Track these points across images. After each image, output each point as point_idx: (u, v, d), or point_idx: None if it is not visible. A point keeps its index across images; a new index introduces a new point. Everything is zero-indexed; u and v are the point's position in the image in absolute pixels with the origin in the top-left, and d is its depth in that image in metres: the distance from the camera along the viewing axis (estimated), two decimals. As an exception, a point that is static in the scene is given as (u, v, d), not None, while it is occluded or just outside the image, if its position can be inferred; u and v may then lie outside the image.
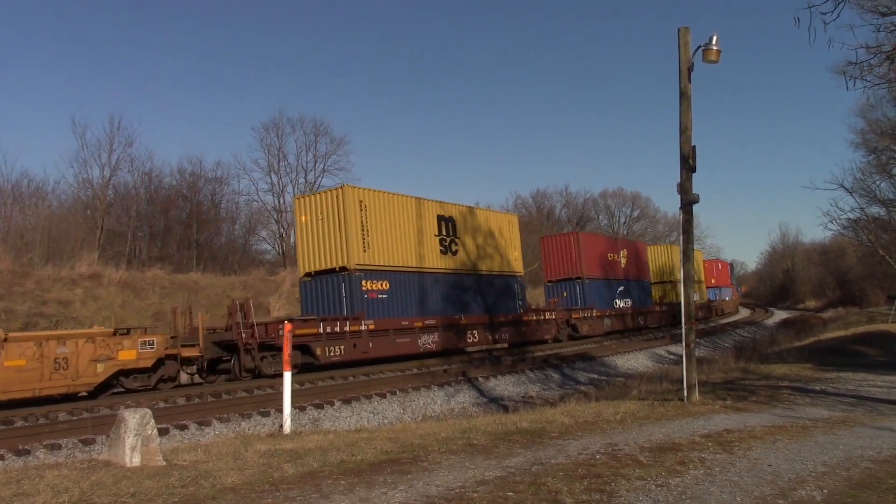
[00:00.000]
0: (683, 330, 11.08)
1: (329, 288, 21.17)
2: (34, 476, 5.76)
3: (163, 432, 11.00)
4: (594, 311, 33.63)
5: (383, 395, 15.97)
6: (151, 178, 45.91)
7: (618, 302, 37.04)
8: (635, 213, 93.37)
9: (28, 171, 66.90)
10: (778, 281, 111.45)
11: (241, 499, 5.06)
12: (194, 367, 17.39)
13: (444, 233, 24.73)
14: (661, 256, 47.59)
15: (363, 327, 20.21)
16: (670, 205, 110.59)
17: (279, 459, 6.47)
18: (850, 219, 38.87)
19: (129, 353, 15.16)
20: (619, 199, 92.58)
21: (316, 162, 55.24)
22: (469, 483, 5.47)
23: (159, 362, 15.92)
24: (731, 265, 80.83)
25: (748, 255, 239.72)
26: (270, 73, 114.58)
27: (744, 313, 71.03)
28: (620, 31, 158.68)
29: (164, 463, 6.32)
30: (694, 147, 11.13)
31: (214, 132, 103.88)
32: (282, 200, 53.35)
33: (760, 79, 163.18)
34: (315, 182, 53.70)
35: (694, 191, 11.21)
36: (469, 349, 26.13)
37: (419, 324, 22.45)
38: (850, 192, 36.70)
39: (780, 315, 67.75)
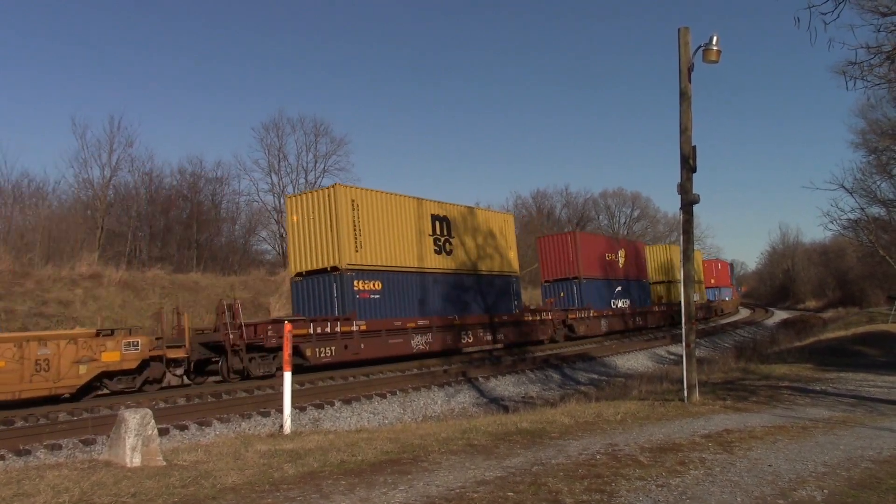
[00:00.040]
0: (684, 330, 11.08)
1: (320, 288, 20.96)
2: (35, 476, 5.76)
3: (163, 432, 11.00)
4: (591, 312, 33.37)
5: (383, 396, 15.97)
6: (152, 179, 46.01)
7: (616, 302, 36.82)
8: (635, 213, 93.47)
9: (28, 171, 66.83)
10: (778, 281, 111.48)
11: (241, 499, 5.06)
12: (181, 369, 17.08)
13: (438, 232, 24.48)
14: (660, 256, 47.44)
15: (354, 328, 19.97)
16: (670, 205, 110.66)
17: (279, 459, 6.47)
18: (850, 219, 38.95)
19: (112, 355, 14.82)
20: (620, 199, 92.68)
21: (316, 162, 55.30)
22: (469, 483, 5.47)
23: (144, 364, 15.58)
24: (731, 265, 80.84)
25: (748, 255, 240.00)
26: (270, 73, 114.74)
27: (744, 313, 71.03)
28: (620, 31, 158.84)
29: (165, 463, 6.32)
30: (694, 147, 11.13)
31: (214, 132, 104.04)
32: (282, 201, 53.27)
33: (760, 79, 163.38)
34: (315, 182, 53.68)
35: (694, 191, 11.21)
36: (463, 350, 25.87)
37: (412, 324, 22.23)
38: (851, 193, 36.78)
39: (780, 315, 67.75)
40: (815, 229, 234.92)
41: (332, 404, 14.64)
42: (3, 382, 13.18)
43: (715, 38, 10.74)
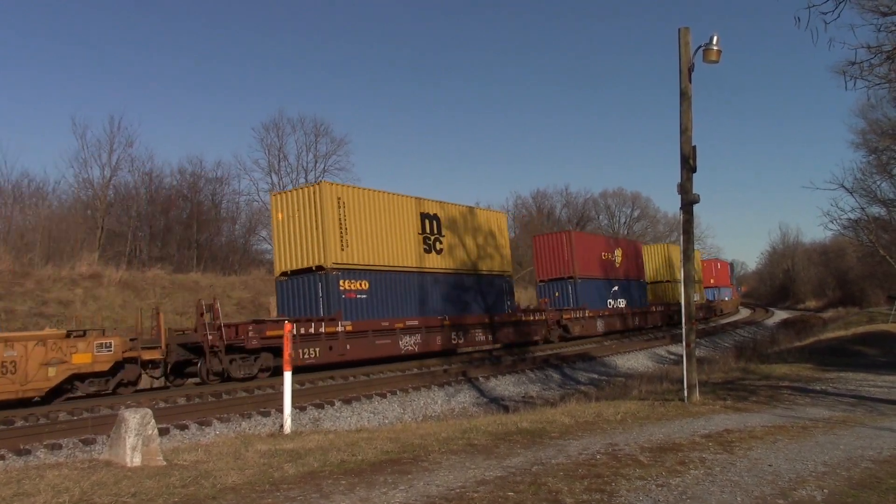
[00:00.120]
0: (684, 330, 11.08)
1: (306, 288, 20.45)
2: (35, 476, 5.76)
3: (163, 432, 11.00)
4: (587, 312, 32.90)
5: (384, 395, 15.97)
6: (152, 178, 46.05)
7: (612, 302, 36.49)
8: (635, 213, 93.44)
9: (28, 171, 67.02)
10: (778, 281, 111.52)
11: (241, 499, 5.06)
12: (159, 371, 16.70)
13: (427, 231, 23.92)
14: (657, 256, 47.30)
15: (340, 328, 19.45)
16: (670, 205, 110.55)
17: (280, 459, 6.47)
18: (850, 219, 38.96)
19: (83, 357, 14.38)
20: (619, 199, 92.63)
21: (316, 162, 55.39)
22: (469, 483, 5.47)
23: (118, 366, 15.13)
24: (731, 265, 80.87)
25: (748, 255, 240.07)
26: (270, 73, 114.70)
27: (744, 313, 71.07)
28: (620, 31, 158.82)
29: (165, 463, 6.32)
30: (694, 147, 11.13)
31: (214, 132, 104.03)
32: (282, 200, 53.29)
33: (760, 79, 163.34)
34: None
35: (694, 191, 11.21)
36: (454, 351, 25.41)
37: (400, 325, 21.70)
38: (851, 192, 36.79)
39: (780, 315, 67.79)
40: (815, 229, 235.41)
41: (332, 404, 14.65)
42: None
43: (715, 38, 10.74)
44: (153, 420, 6.48)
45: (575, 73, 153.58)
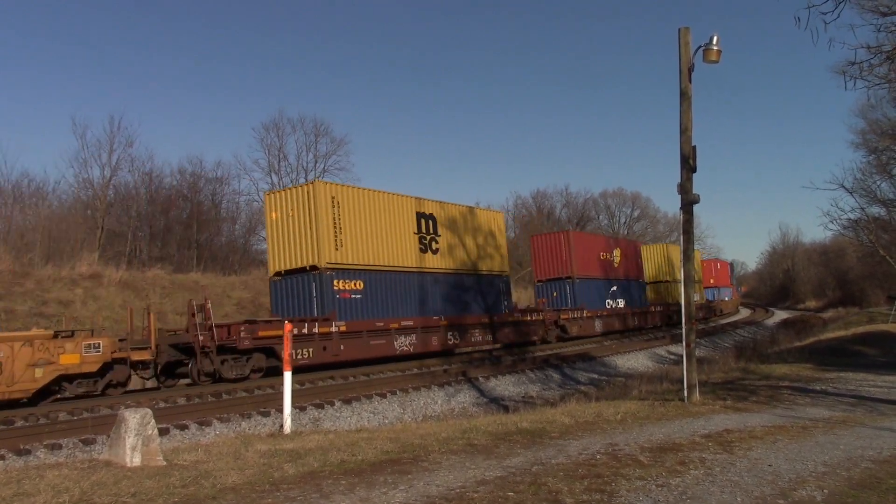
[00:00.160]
0: (684, 330, 11.08)
1: (299, 288, 20.26)
2: (35, 476, 5.76)
3: (163, 432, 11.01)
4: (585, 312, 32.77)
5: (383, 395, 15.98)
6: (152, 178, 46.01)
7: (610, 302, 36.38)
8: (635, 214, 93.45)
9: (28, 171, 66.92)
10: (778, 281, 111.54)
11: (241, 499, 5.06)
12: (150, 371, 16.53)
13: (423, 230, 23.71)
14: (657, 256, 47.22)
15: (334, 329, 19.27)
16: (670, 205, 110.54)
17: (280, 459, 6.47)
18: (850, 219, 38.93)
19: (71, 357, 14.17)
20: (619, 199, 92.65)
21: (316, 162, 55.35)
22: (469, 483, 5.47)
23: (107, 366, 14.94)
24: (731, 265, 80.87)
25: (748, 255, 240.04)
26: (270, 73, 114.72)
27: (744, 313, 71.07)
28: (620, 31, 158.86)
29: (165, 463, 6.32)
30: (694, 147, 11.13)
31: (214, 132, 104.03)
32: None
33: (760, 79, 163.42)
34: (315, 182, 53.69)
35: (694, 191, 11.21)
36: (450, 351, 25.22)
37: (395, 325, 21.47)
38: (851, 193, 36.77)
39: (780, 315, 67.79)
40: (815, 229, 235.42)
41: (332, 404, 14.65)
42: None
43: (715, 38, 10.74)
44: (153, 420, 6.48)
45: (575, 73, 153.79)
